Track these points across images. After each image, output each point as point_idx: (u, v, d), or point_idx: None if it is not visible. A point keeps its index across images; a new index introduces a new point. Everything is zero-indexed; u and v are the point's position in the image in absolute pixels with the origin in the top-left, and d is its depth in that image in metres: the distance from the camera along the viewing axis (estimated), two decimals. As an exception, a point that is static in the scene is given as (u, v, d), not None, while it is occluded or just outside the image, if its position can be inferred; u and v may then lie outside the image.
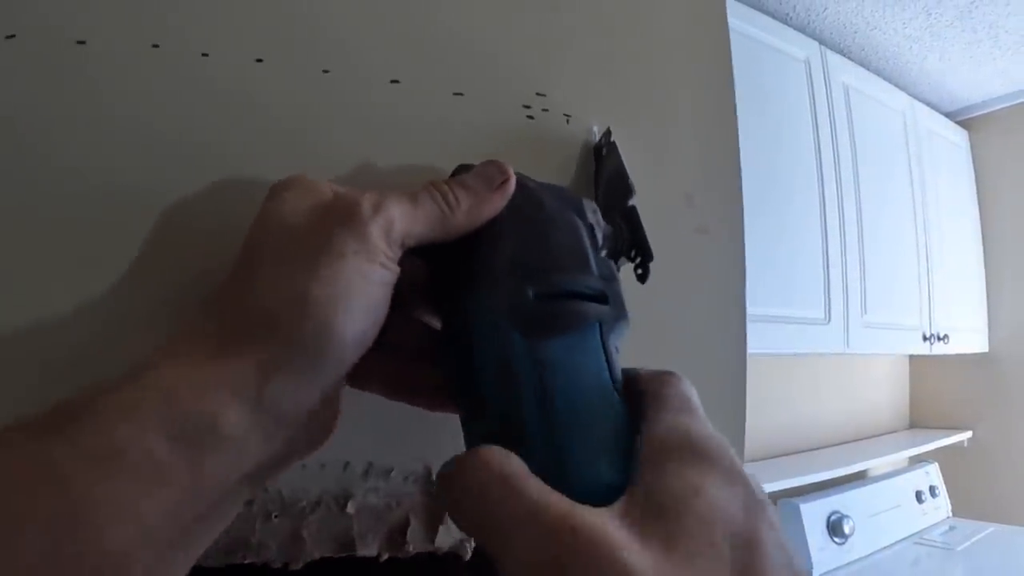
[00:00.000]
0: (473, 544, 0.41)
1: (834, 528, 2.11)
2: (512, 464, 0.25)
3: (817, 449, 2.47)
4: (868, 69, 2.32)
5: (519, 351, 0.29)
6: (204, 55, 0.37)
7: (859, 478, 2.39)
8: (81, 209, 0.34)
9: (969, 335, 2.65)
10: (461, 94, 0.43)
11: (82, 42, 0.35)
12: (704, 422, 0.28)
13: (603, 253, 0.35)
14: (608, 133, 0.46)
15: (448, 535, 0.40)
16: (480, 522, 0.25)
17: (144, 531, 0.23)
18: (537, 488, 0.24)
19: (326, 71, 0.39)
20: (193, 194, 0.36)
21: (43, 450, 0.23)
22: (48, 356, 0.33)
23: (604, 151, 0.46)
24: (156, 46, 0.36)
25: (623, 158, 0.44)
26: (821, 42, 2.10)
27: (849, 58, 2.24)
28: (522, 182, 0.35)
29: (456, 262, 0.32)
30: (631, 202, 0.40)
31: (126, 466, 0.23)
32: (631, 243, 0.39)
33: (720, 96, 0.58)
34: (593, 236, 0.35)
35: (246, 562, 0.37)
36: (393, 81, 0.41)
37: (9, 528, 0.21)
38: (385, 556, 0.39)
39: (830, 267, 1.94)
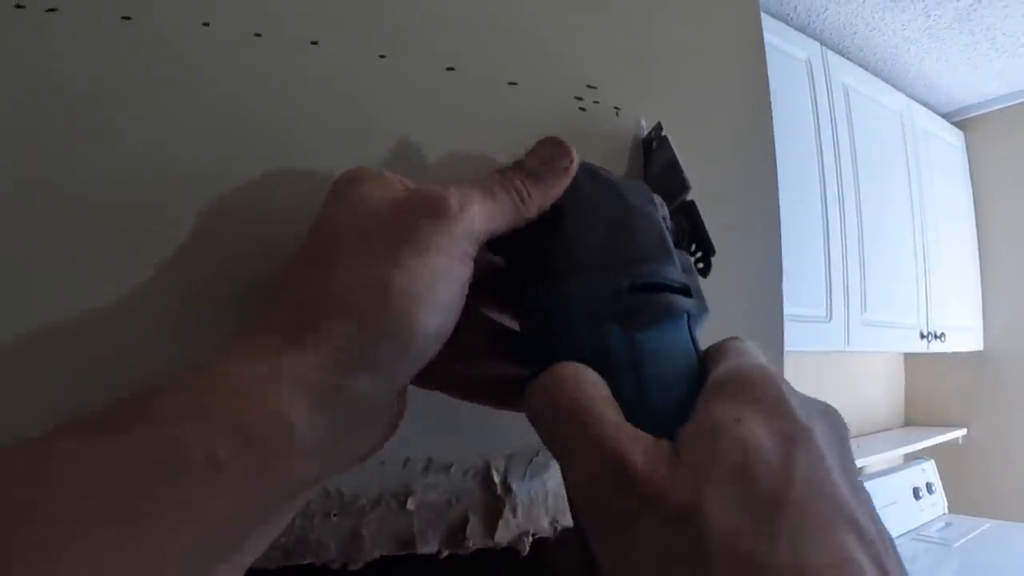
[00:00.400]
0: (531, 539, 0.40)
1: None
2: (585, 387, 0.26)
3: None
4: (867, 70, 2.33)
5: (617, 343, 0.28)
6: (257, 35, 0.36)
7: (857, 476, 2.40)
8: (137, 193, 0.33)
9: (965, 333, 2.67)
10: (515, 83, 0.42)
11: (127, 18, 0.34)
12: (758, 362, 0.28)
13: None
14: (659, 127, 0.45)
15: (507, 530, 0.39)
16: (550, 440, 0.27)
17: (207, 533, 0.22)
18: (601, 414, 0.25)
19: (382, 56, 0.39)
20: (245, 182, 0.35)
21: (107, 450, 0.21)
22: (109, 345, 0.32)
23: (654, 144, 0.46)
24: (207, 24, 0.35)
25: (677, 152, 0.43)
26: (821, 43, 2.11)
27: (848, 59, 2.25)
28: (599, 172, 0.34)
29: (539, 253, 0.31)
30: (688, 196, 0.39)
31: (191, 470, 0.21)
32: (691, 237, 0.38)
33: (757, 92, 0.58)
34: (667, 228, 0.34)
35: (305, 563, 0.36)
36: (449, 68, 0.40)
37: (69, 529, 0.20)
38: (445, 553, 0.38)
39: (831, 265, 1.95)
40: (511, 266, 0.34)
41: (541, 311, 0.30)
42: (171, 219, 0.34)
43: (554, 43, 0.44)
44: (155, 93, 0.34)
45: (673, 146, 0.43)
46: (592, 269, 0.30)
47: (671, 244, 0.32)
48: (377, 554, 0.37)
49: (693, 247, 0.38)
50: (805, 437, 0.24)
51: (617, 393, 0.27)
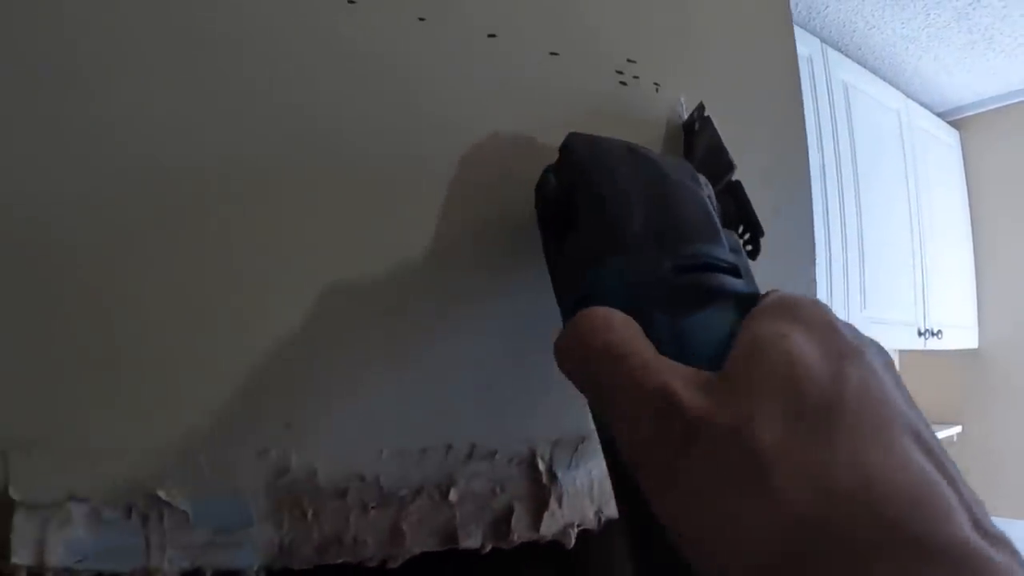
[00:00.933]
0: (577, 531, 0.38)
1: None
2: (615, 325, 0.25)
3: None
4: (865, 68, 2.33)
5: (659, 324, 0.26)
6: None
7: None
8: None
9: (961, 331, 2.67)
10: (557, 54, 0.40)
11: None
12: (802, 296, 0.26)
13: None
14: (701, 107, 0.44)
15: (553, 522, 0.37)
16: (585, 384, 0.26)
17: None
18: (636, 349, 0.24)
19: (422, 19, 0.36)
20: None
21: None
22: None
23: (697, 126, 0.44)
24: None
25: (720, 132, 0.41)
26: (822, 40, 2.10)
27: (848, 56, 2.24)
28: (639, 150, 0.33)
29: (581, 238, 0.30)
30: (733, 176, 0.38)
31: None
32: (738, 218, 0.37)
33: (788, 76, 0.56)
34: (713, 207, 0.32)
35: (339, 561, 0.34)
36: (491, 35, 0.38)
37: None
38: (489, 547, 0.36)
39: (832, 262, 1.94)
40: (554, 252, 0.33)
41: (585, 297, 0.28)
42: (191, 202, 0.32)
43: (596, 14, 0.41)
44: (184, 59, 0.32)
45: (716, 126, 0.42)
46: (635, 251, 0.28)
47: (718, 222, 0.30)
48: (417, 551, 0.34)
49: (740, 228, 0.37)
50: (856, 352, 0.23)
51: None
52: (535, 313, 0.36)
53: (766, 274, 0.50)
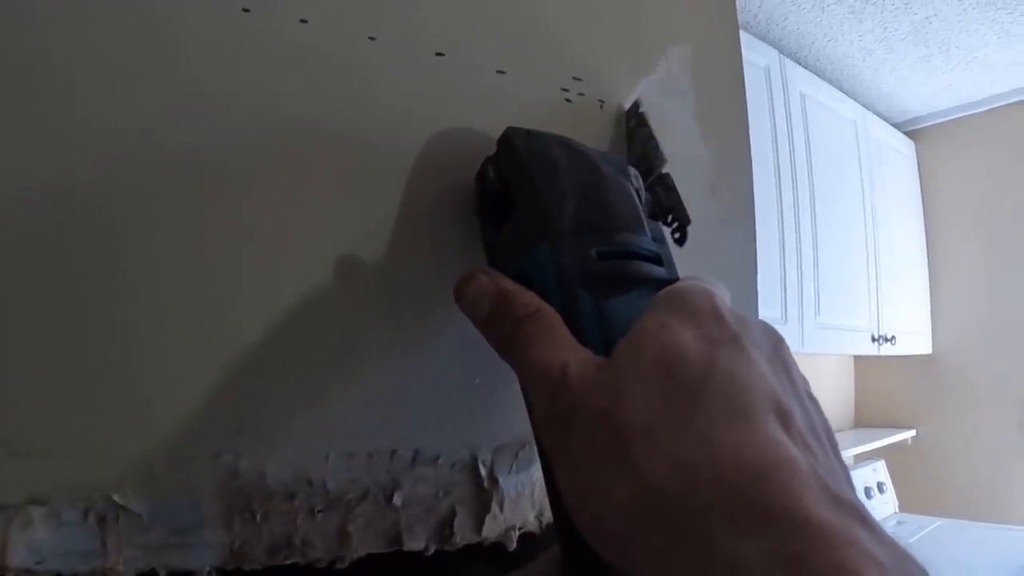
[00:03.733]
0: (518, 534, 0.40)
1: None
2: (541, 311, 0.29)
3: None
4: (823, 79, 2.39)
5: (585, 307, 0.29)
6: (245, 10, 0.35)
7: (811, 477, 2.44)
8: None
9: (914, 337, 2.74)
10: (504, 72, 0.42)
11: None
12: (700, 282, 0.29)
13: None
14: (636, 104, 0.46)
15: (495, 525, 0.38)
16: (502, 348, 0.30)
17: None
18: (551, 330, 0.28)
19: (372, 37, 0.38)
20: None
21: None
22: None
23: (633, 122, 0.47)
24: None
25: (653, 128, 0.45)
26: (780, 51, 2.15)
27: (806, 67, 2.29)
28: (573, 144, 0.35)
29: (514, 222, 0.33)
30: (664, 169, 0.41)
31: None
32: (667, 208, 0.39)
33: (733, 91, 0.59)
34: (640, 199, 0.35)
35: (289, 562, 0.35)
36: (438, 53, 0.39)
37: None
38: (432, 549, 0.37)
39: (787, 267, 1.98)
40: (490, 237, 0.35)
41: (522, 272, 0.32)
42: (149, 203, 0.32)
43: (543, 33, 0.43)
44: (137, 71, 0.33)
45: (650, 121, 0.45)
46: (565, 238, 0.31)
47: (642, 213, 0.33)
48: (363, 552, 0.36)
49: (669, 218, 0.39)
50: (731, 339, 0.25)
51: (583, 345, 0.28)
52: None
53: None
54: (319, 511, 0.35)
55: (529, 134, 0.35)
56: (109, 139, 0.32)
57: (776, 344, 0.27)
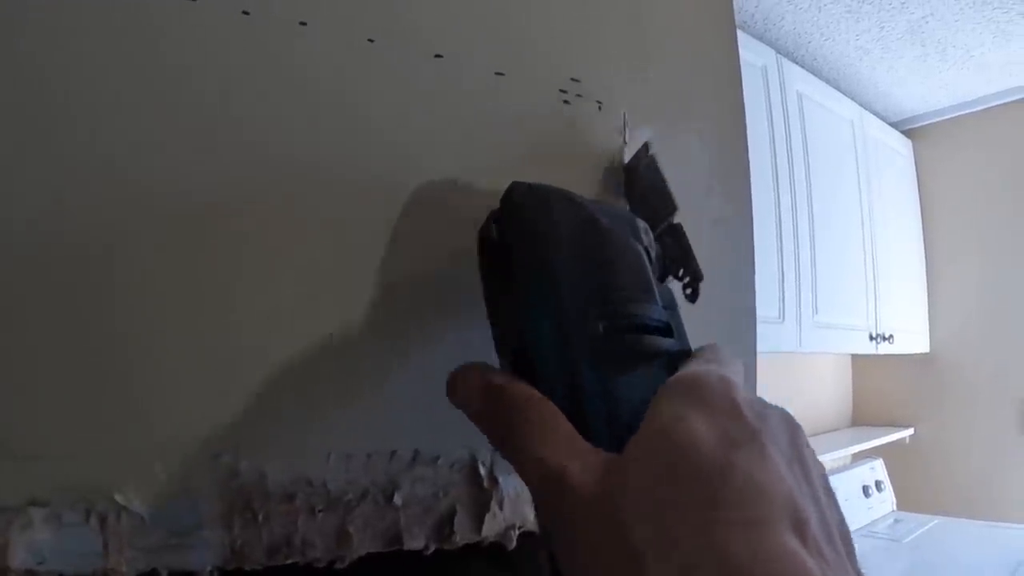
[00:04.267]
0: (518, 533, 0.40)
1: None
2: (535, 403, 0.28)
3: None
4: (820, 78, 2.39)
5: (590, 388, 0.28)
6: (245, 13, 0.35)
7: (809, 476, 2.45)
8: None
9: (912, 336, 2.74)
10: (502, 74, 0.42)
11: None
12: (716, 368, 0.28)
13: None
14: (647, 147, 0.44)
15: (494, 524, 0.39)
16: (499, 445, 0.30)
17: None
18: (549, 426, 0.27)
19: (371, 40, 0.38)
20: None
21: None
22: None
23: (641, 166, 0.44)
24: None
25: (663, 173, 0.42)
26: (777, 50, 2.15)
27: (803, 67, 2.30)
28: (579, 202, 0.33)
29: (520, 287, 0.31)
30: (675, 219, 0.39)
31: None
32: (679, 262, 0.38)
33: (731, 90, 0.59)
34: (651, 260, 0.34)
35: (289, 562, 0.35)
36: (437, 55, 0.40)
37: None
38: (432, 549, 0.37)
39: (784, 267, 1.99)
40: (493, 299, 0.34)
41: (522, 350, 0.30)
42: (148, 211, 0.33)
43: (541, 34, 0.43)
44: (134, 76, 0.33)
45: (660, 167, 0.43)
46: (570, 311, 0.29)
47: (653, 280, 0.32)
48: (363, 551, 0.36)
49: (681, 271, 0.38)
50: (750, 437, 0.23)
51: (587, 426, 0.27)
52: (477, 331, 0.38)
53: (708, 282, 0.53)
54: (319, 511, 0.35)
55: (534, 192, 0.33)
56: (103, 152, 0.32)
57: (793, 435, 0.26)
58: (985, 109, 2.79)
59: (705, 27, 0.57)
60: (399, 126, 0.39)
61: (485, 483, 0.39)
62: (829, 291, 2.19)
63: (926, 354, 2.89)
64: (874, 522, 2.50)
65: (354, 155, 0.37)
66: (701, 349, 0.31)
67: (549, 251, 0.30)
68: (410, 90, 0.39)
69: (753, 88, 2.01)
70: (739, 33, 1.90)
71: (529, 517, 0.40)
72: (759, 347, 1.85)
